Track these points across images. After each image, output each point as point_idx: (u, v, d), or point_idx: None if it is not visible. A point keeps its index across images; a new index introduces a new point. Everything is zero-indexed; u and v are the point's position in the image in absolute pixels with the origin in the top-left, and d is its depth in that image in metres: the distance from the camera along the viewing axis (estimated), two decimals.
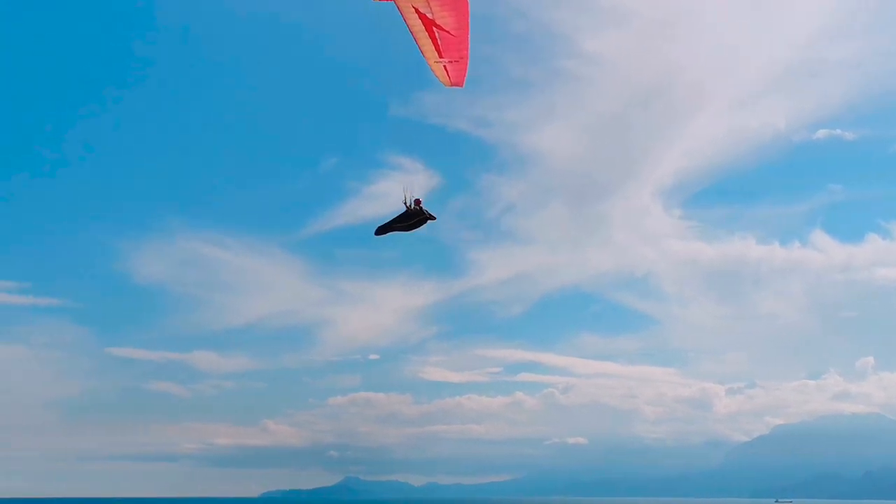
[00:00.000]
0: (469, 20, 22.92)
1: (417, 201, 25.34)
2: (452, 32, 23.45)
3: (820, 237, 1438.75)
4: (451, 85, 24.85)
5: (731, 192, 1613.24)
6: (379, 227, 25.42)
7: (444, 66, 24.11)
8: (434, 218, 25.23)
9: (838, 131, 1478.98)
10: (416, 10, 23.13)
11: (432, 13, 23.07)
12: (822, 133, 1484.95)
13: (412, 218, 25.13)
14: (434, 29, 23.45)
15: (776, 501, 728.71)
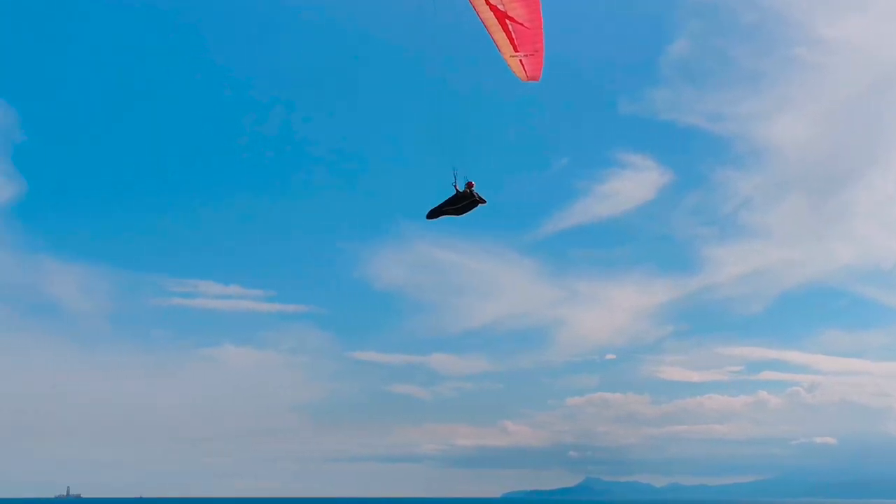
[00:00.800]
0: (541, 11, 21.84)
1: (470, 184, 24.36)
2: (526, 25, 22.58)
3: None
4: (528, 79, 24.01)
5: None
6: (430, 212, 24.70)
7: (520, 61, 23.18)
8: (484, 202, 24.43)
9: None
10: (488, 3, 22.24)
11: (504, 5, 22.14)
12: None
13: (462, 201, 24.24)
14: (507, 22, 22.65)
15: None
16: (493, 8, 22.55)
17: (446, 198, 24.96)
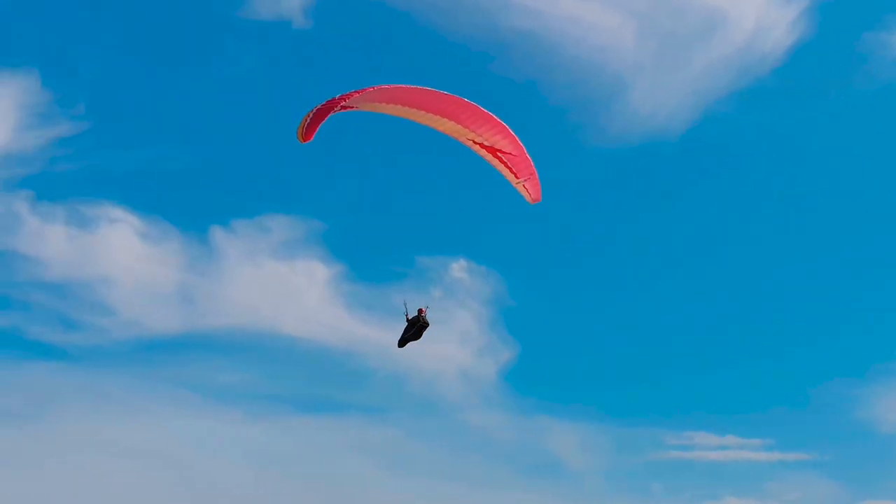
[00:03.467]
0: (519, 141, 23.76)
1: (421, 310, 26.36)
2: (515, 153, 24.10)
3: None
4: (533, 202, 25.50)
5: None
6: (399, 342, 26.78)
7: (524, 185, 24.79)
8: (428, 324, 26.34)
9: None
10: (475, 143, 23.85)
11: (489, 142, 23.71)
12: None
13: (415, 326, 26.15)
14: (499, 154, 24.09)
15: None
16: (481, 146, 24.19)
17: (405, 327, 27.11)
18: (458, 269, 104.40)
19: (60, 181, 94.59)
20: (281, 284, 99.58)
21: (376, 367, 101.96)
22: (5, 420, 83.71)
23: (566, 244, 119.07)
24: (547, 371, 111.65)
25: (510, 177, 24.63)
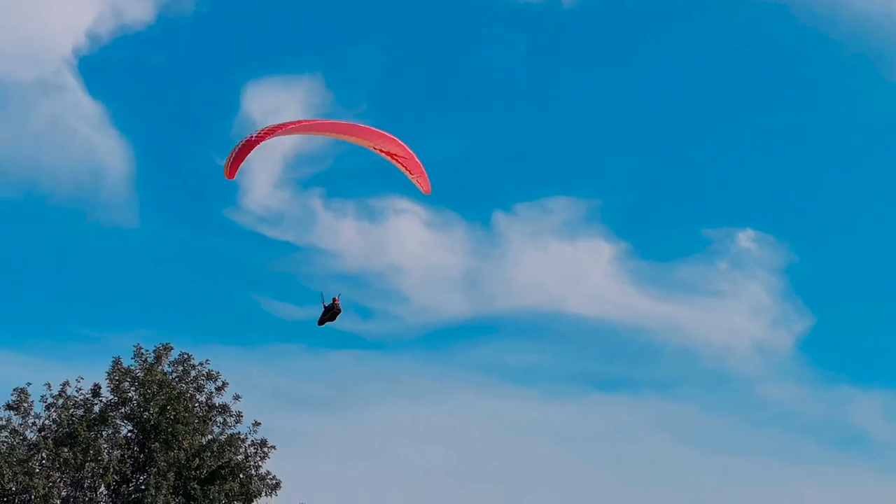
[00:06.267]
0: (406, 145, 29.48)
1: (335, 299, 31.89)
2: (404, 156, 29.77)
3: None
4: (426, 193, 31.54)
5: None
6: (318, 322, 32.60)
7: (417, 180, 30.60)
8: (340, 311, 31.90)
9: None
10: (375, 149, 29.76)
11: (382, 146, 29.50)
12: None
13: (329, 312, 31.63)
14: (392, 158, 29.91)
15: None
16: (381, 152, 29.97)
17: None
18: (746, 239, 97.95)
19: (348, 177, 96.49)
20: (566, 264, 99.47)
21: (666, 343, 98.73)
22: (315, 407, 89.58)
23: (857, 211, 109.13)
24: (846, 340, 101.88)
25: (406, 173, 30.45)
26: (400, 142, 29.34)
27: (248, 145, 27.75)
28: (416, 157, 29.71)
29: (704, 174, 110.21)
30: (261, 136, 27.75)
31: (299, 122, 29.65)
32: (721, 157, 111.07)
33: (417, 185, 30.94)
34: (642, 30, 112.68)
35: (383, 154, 29.58)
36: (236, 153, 27.81)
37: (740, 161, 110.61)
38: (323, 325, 31.41)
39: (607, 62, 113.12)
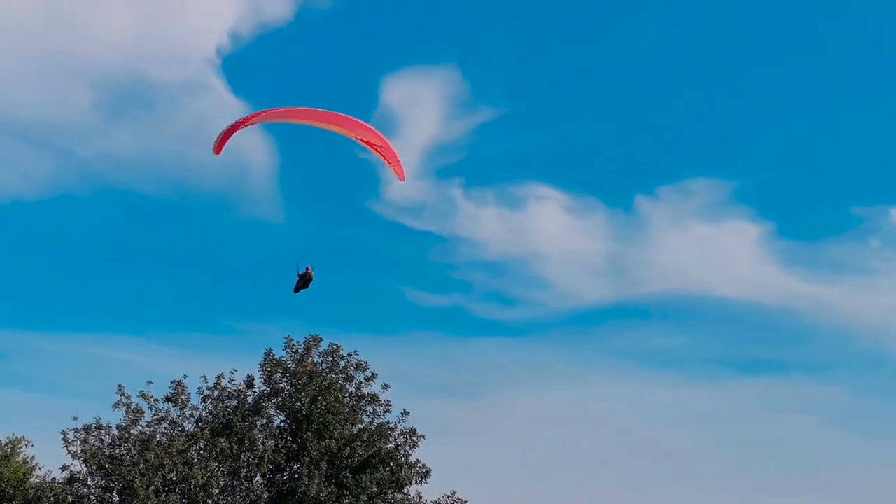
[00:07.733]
0: (382, 135, 28.44)
1: (308, 269, 33.65)
2: (381, 145, 28.97)
3: None
4: (402, 180, 30.99)
5: None
6: (294, 288, 33.68)
7: (394, 168, 29.93)
8: (312, 279, 33.50)
9: None
10: (357, 139, 29.05)
11: (362, 136, 28.69)
12: None
13: (303, 280, 33.37)
14: (371, 147, 29.05)
15: None
16: (360, 141, 29.42)
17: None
18: None
19: (487, 165, 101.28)
20: (710, 247, 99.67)
21: (817, 324, 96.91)
22: (458, 394, 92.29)
23: None
24: None
25: (384, 161, 29.67)
26: (376, 131, 31.29)
27: (234, 127, 30.04)
28: (391, 146, 29.37)
29: (852, 149, 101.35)
30: (246, 120, 29.97)
31: (282, 109, 30.98)
32: (870, 131, 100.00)
33: (394, 172, 30.63)
34: (780, 4, 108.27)
35: (363, 143, 29.53)
36: (223, 134, 30.09)
37: (891, 135, 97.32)
38: (297, 293, 33.50)
39: (744, 39, 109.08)
